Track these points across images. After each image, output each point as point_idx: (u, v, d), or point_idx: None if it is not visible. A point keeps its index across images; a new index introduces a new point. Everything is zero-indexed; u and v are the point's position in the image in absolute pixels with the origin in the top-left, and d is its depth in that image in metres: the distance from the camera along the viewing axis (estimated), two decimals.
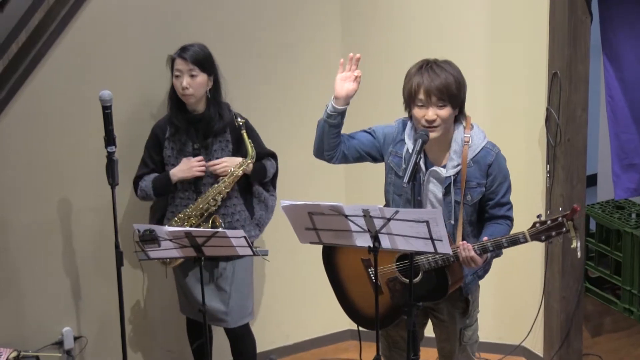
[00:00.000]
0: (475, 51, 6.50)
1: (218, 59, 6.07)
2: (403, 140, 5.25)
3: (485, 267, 5.41)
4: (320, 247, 5.38)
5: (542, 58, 6.42)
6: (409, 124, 5.26)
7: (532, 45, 6.48)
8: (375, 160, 5.38)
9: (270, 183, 6.22)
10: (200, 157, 5.94)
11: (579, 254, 5.32)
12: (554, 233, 4.94)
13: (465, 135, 5.17)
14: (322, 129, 5.28)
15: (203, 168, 5.92)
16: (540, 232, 4.94)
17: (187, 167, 5.93)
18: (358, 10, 6.92)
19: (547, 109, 6.39)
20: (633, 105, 6.56)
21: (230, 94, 6.21)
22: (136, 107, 6.28)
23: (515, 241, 5.03)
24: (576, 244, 5.09)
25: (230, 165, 5.94)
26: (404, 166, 5.20)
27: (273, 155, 6.19)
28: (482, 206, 5.24)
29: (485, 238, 5.07)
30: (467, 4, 6.66)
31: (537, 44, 6.43)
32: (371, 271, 5.24)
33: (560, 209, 4.95)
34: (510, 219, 5.25)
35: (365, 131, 5.40)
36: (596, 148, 7.97)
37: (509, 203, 5.25)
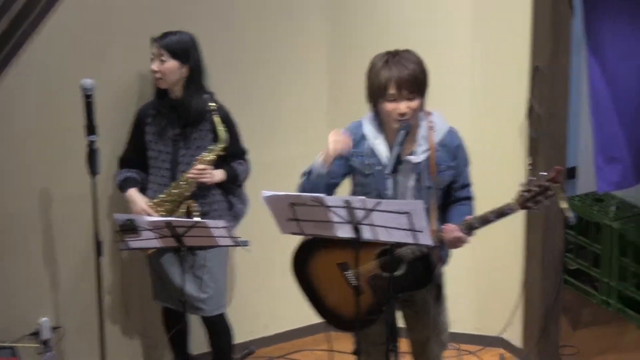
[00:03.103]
0: (458, 46, 6.55)
1: (206, 48, 6.08)
2: (363, 138, 5.30)
3: (446, 253, 5.46)
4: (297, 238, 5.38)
5: (525, 52, 6.44)
6: (365, 121, 5.32)
7: (515, 39, 6.48)
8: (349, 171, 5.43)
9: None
10: (148, 209, 5.99)
11: (570, 214, 5.29)
12: (541, 197, 4.96)
13: (428, 120, 5.22)
14: (315, 182, 5.27)
15: (147, 211, 5.96)
16: (527, 199, 4.96)
17: (137, 209, 6.00)
18: (344, 6, 6.91)
19: (529, 102, 6.43)
20: (616, 98, 6.58)
21: (218, 84, 6.21)
22: (121, 95, 6.28)
23: (503, 213, 5.06)
24: (566, 204, 5.14)
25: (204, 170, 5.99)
26: (367, 162, 5.26)
27: (244, 155, 6.21)
28: (449, 189, 5.30)
29: (469, 217, 5.11)
30: (451, 10, 6.68)
31: (519, 38, 6.44)
32: (348, 273, 5.27)
33: (544, 173, 4.94)
34: (473, 198, 5.32)
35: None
36: (576, 141, 8.02)
37: (470, 184, 5.33)
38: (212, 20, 6.45)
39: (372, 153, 5.22)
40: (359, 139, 5.28)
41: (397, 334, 5.50)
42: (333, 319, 5.53)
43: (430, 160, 5.16)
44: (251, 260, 6.70)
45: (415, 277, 5.24)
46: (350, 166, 5.30)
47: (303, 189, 5.26)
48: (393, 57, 5.12)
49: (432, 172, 5.18)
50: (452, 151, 5.21)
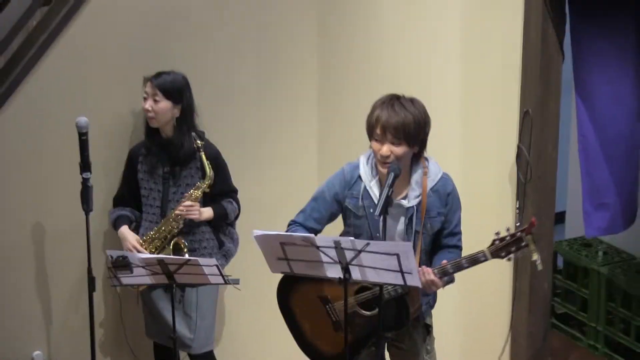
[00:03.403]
0: (448, 90, 6.55)
1: (196, 87, 6.09)
2: (359, 179, 5.31)
3: (434, 296, 5.49)
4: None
5: (514, 96, 6.50)
6: (361, 163, 5.33)
7: (504, 83, 6.54)
8: (338, 215, 5.44)
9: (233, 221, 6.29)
10: (138, 247, 6.02)
11: (539, 266, 5.26)
12: (513, 248, 4.95)
13: (424, 166, 5.22)
14: None
15: (137, 248, 5.99)
16: (499, 248, 4.96)
17: (127, 244, 6.04)
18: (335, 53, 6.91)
19: (518, 147, 6.48)
20: (605, 143, 6.58)
21: (209, 123, 6.25)
22: (114, 133, 6.28)
23: (475, 260, 5.04)
24: (537, 257, 5.08)
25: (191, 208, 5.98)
26: (360, 204, 5.26)
27: (234, 193, 6.21)
28: (436, 235, 5.28)
29: (445, 261, 5.09)
30: (440, 44, 6.69)
31: (509, 83, 6.49)
32: (329, 307, 5.28)
33: (518, 224, 5.00)
34: (461, 248, 5.29)
35: (315, 200, 5.48)
36: (565, 186, 8.02)
37: (460, 233, 5.30)
38: (203, 59, 6.46)
39: (367, 195, 5.23)
40: (355, 180, 5.30)
41: None
42: (314, 354, 5.55)
43: (422, 206, 5.17)
44: (241, 298, 6.62)
45: (391, 316, 5.22)
46: (345, 208, 5.32)
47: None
48: (392, 100, 5.14)
49: (422, 218, 5.18)
50: (444, 198, 5.22)
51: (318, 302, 5.29)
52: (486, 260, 5.03)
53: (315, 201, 5.40)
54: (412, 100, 5.15)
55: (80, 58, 6.12)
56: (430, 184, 5.19)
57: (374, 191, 5.21)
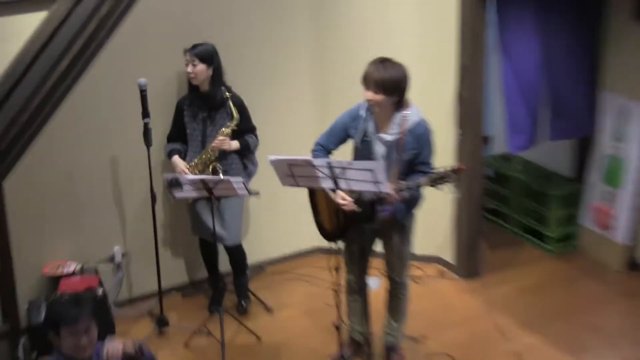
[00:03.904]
0: (408, 52, 6.19)
1: (222, 53, 6.07)
2: (358, 117, 5.31)
3: (413, 207, 5.47)
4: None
5: (454, 54, 6.43)
6: (362, 106, 5.31)
7: (447, 46, 6.46)
8: (347, 139, 5.47)
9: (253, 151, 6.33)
10: (186, 170, 6.01)
11: (454, 194, 5.81)
12: (443, 181, 5.02)
13: (404, 112, 5.18)
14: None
15: (185, 172, 6.00)
16: (434, 180, 5.04)
17: (178, 169, 6.05)
18: (326, 22, 6.77)
19: (458, 90, 6.44)
20: (520, 88, 6.61)
21: (232, 78, 6.18)
22: (165, 90, 6.26)
23: (419, 185, 5.15)
24: (453, 191, 5.52)
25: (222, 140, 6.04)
26: (359, 135, 5.29)
27: (254, 130, 6.21)
28: (412, 162, 5.25)
29: (403, 182, 5.16)
30: (402, 22, 6.57)
31: (450, 45, 6.44)
32: (332, 203, 5.32)
33: (450, 167, 5.06)
34: (427, 172, 5.24)
35: (332, 128, 5.46)
36: (491, 117, 7.75)
37: (429, 164, 5.28)
38: (226, 35, 6.38)
39: (365, 129, 5.26)
40: (356, 117, 5.32)
41: (368, 255, 5.63)
42: (322, 228, 5.57)
43: (399, 142, 5.18)
44: (260, 204, 6.69)
45: (369, 213, 5.25)
46: (349, 135, 5.34)
47: (314, 155, 5.37)
48: (379, 62, 5.16)
49: (399, 149, 5.19)
50: (417, 138, 5.19)
51: (327, 198, 5.29)
52: (424, 186, 5.16)
53: (332, 129, 5.42)
54: (394, 64, 5.18)
55: (140, 36, 6.14)
56: (407, 126, 5.18)
57: (369, 128, 5.24)
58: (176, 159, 6.09)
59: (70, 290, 5.78)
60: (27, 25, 5.90)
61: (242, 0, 6.45)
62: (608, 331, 6.19)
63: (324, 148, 5.45)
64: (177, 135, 6.17)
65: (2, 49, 5.98)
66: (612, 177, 6.91)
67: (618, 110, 6.81)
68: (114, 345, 4.16)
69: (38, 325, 5.67)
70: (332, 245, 5.47)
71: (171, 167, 6.16)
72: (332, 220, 5.45)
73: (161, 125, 6.19)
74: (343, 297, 5.61)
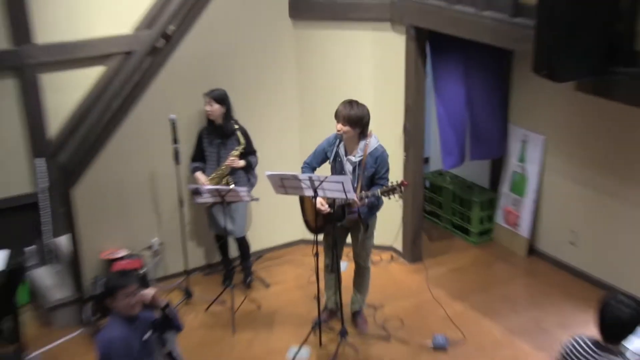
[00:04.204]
0: (371, 95, 6.32)
1: (230, 94, 5.93)
2: (334, 143, 5.24)
3: (374, 211, 5.37)
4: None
5: (401, 98, 6.30)
6: (337, 135, 5.22)
7: (397, 91, 6.31)
8: (326, 160, 5.34)
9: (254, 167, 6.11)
10: (205, 182, 5.83)
11: (399, 201, 5.78)
12: (392, 192, 5.00)
13: (367, 140, 5.15)
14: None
15: (205, 184, 5.78)
16: (386, 191, 5.01)
17: (200, 182, 5.87)
18: (308, 55, 6.52)
19: (404, 123, 6.34)
20: (450, 120, 6.50)
21: (238, 112, 6.07)
22: (190, 123, 6.16)
23: (375, 196, 5.09)
24: (399, 199, 5.44)
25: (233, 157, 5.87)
26: (334, 156, 5.24)
27: (255, 152, 6.02)
28: (372, 177, 5.20)
29: (364, 192, 5.11)
30: (365, 75, 6.42)
31: (398, 90, 6.34)
32: (314, 204, 5.22)
33: (396, 182, 5.06)
34: (383, 185, 5.18)
35: (315, 152, 5.34)
36: (429, 143, 7.66)
37: (386, 178, 5.20)
38: (233, 80, 6.25)
39: (337, 152, 5.22)
40: (332, 143, 5.25)
41: (341, 245, 5.58)
42: (306, 224, 5.50)
43: (362, 161, 5.14)
44: (259, 206, 6.50)
45: (339, 214, 5.24)
46: (327, 157, 5.28)
47: (302, 171, 5.28)
48: (347, 103, 5.09)
49: (362, 168, 5.15)
50: (375, 159, 5.14)
51: (311, 203, 5.21)
52: (379, 196, 5.09)
53: (315, 152, 5.33)
54: (359, 104, 5.10)
55: (171, 83, 6.06)
56: (369, 150, 5.13)
57: (340, 151, 5.19)
58: (198, 174, 5.95)
59: (120, 269, 5.60)
60: (94, 73, 6.00)
61: (243, 57, 6.26)
62: (513, 299, 6.19)
63: (309, 166, 5.32)
64: (198, 156, 6.01)
65: (75, 93, 5.99)
66: (518, 188, 6.80)
67: (521, 139, 6.70)
68: (149, 290, 4.15)
69: (98, 295, 5.63)
70: (314, 237, 5.36)
71: (194, 180, 6.02)
72: (314, 219, 5.31)
73: (187, 149, 6.07)
74: (322, 275, 5.54)
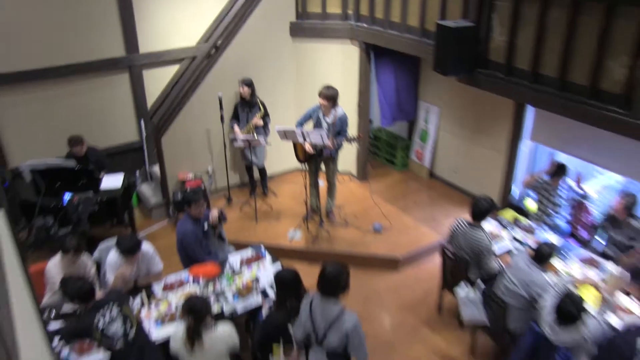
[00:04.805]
0: (339, 83, 6.19)
1: (255, 81, 5.91)
2: (316, 110, 5.17)
3: (338, 150, 5.35)
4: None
5: (356, 85, 6.22)
6: (319, 106, 5.12)
7: (353, 81, 6.09)
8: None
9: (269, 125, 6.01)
10: (239, 133, 5.62)
11: (355, 145, 5.65)
12: (351, 141, 4.93)
13: (336, 109, 5.09)
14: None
15: (240, 134, 5.55)
16: (347, 140, 5.03)
17: (236, 131, 5.66)
18: (299, 60, 6.39)
19: (358, 102, 6.29)
20: (386, 98, 6.47)
21: (259, 90, 6.02)
22: (230, 99, 6.04)
23: (340, 142, 5.09)
24: (355, 144, 5.45)
25: (256, 119, 5.79)
26: (316, 120, 5.16)
27: (269, 116, 5.91)
28: (339, 132, 5.14)
29: (335, 140, 5.05)
30: (336, 71, 6.31)
31: (354, 80, 6.18)
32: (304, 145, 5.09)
33: (353, 135, 5.08)
34: (344, 135, 5.15)
35: (304, 115, 5.23)
36: (373, 111, 7.20)
37: (346, 131, 5.15)
38: (257, 72, 6.16)
39: (318, 116, 5.14)
40: (315, 110, 5.14)
41: (318, 170, 5.60)
42: (298, 159, 5.40)
43: (333, 122, 5.09)
44: (271, 150, 6.41)
45: (318, 153, 5.22)
46: (311, 117, 5.17)
47: (296, 126, 5.09)
48: (326, 87, 5.03)
49: (333, 125, 5.09)
50: (340, 121, 5.08)
51: (301, 146, 5.16)
52: (344, 141, 5.04)
53: (304, 116, 5.25)
54: (333, 88, 5.06)
55: (219, 74, 5.99)
56: (338, 115, 5.09)
57: (320, 115, 5.09)
58: (235, 127, 5.93)
59: (190, 186, 5.78)
60: (173, 70, 6.17)
61: (262, 61, 6.15)
62: (419, 202, 6.35)
63: (300, 123, 5.24)
64: (234, 117, 5.95)
65: (162, 82, 6.14)
66: (423, 138, 6.85)
67: (425, 109, 6.75)
68: (213, 212, 4.19)
69: (177, 201, 5.83)
70: (303, 166, 5.49)
71: (233, 132, 5.95)
72: (303, 155, 5.35)
73: (227, 114, 6.01)
74: (308, 189, 5.68)
